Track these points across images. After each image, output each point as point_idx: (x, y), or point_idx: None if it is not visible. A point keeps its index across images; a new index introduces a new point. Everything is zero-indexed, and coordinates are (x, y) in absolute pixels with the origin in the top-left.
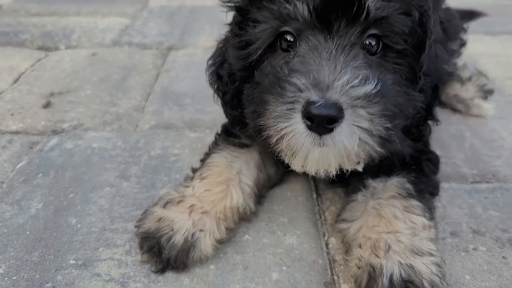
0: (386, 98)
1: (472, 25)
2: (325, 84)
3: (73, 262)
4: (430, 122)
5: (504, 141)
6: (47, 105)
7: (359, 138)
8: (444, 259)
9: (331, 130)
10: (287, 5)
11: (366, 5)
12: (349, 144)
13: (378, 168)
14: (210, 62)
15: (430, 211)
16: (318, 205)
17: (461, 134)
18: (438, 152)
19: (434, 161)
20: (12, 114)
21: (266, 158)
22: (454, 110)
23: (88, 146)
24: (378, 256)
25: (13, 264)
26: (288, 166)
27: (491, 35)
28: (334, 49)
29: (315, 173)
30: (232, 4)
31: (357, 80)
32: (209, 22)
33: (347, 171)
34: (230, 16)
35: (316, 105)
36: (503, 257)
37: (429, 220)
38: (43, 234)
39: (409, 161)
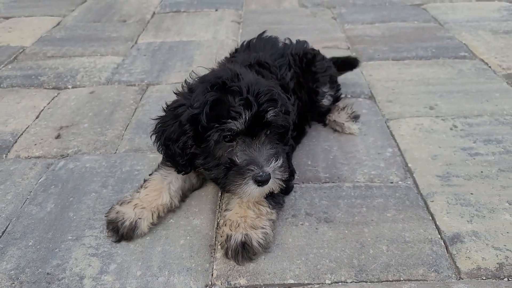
0: (283, 163)
1: (384, 51)
2: (261, 165)
3: (70, 237)
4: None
5: (358, 153)
6: (57, 137)
7: (276, 183)
8: (278, 231)
9: (267, 183)
10: (229, 125)
11: (269, 121)
12: (272, 186)
13: None
14: (154, 136)
15: (275, 203)
16: (220, 200)
17: (330, 148)
18: (308, 162)
19: (290, 173)
20: (35, 144)
21: (191, 173)
22: (335, 130)
23: (83, 166)
24: (231, 230)
25: (37, 240)
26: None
27: (396, 60)
28: (257, 144)
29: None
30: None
31: (274, 161)
32: (180, 60)
33: None
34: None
35: (262, 177)
36: (316, 228)
37: (271, 209)
38: (54, 222)
39: None
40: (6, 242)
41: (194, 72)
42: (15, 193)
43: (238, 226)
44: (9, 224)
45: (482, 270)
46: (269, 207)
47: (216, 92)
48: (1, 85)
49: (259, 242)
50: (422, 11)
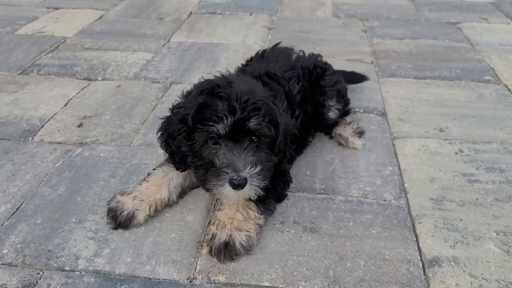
0: (263, 171)
1: (407, 69)
2: (238, 169)
3: (74, 220)
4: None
5: (358, 168)
6: (80, 125)
7: (253, 189)
8: (264, 235)
9: (242, 188)
10: (212, 128)
11: (251, 128)
12: (249, 192)
13: None
14: (159, 134)
15: (265, 209)
16: (216, 199)
17: (332, 161)
18: (307, 172)
19: (285, 182)
20: (59, 131)
21: (191, 172)
22: (339, 144)
23: (97, 155)
24: (217, 230)
25: (45, 219)
26: None
27: (417, 79)
28: (239, 149)
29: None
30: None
31: (251, 167)
32: (206, 61)
33: None
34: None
35: (237, 180)
36: (300, 236)
37: (260, 214)
38: (62, 205)
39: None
40: (18, 218)
41: (203, 78)
42: (33, 174)
43: (224, 226)
44: (23, 202)
45: None
46: (258, 212)
47: (205, 96)
48: (40, 72)
49: (241, 244)
50: (457, 30)
